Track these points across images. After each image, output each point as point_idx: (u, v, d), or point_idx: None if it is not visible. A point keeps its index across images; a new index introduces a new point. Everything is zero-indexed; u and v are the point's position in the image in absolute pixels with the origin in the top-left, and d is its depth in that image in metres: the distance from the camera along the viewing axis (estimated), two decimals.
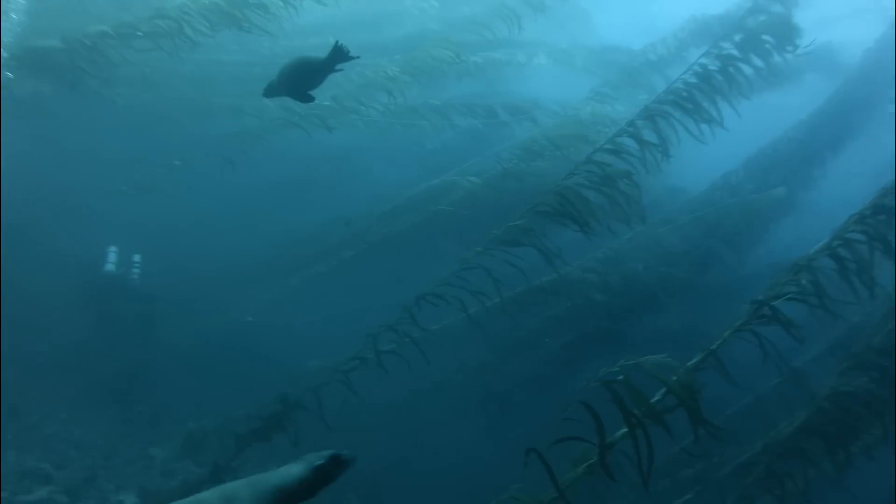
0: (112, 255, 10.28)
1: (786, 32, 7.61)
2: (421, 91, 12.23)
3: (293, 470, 2.81)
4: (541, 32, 14.11)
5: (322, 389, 7.09)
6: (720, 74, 6.91)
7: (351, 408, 7.22)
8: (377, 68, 10.71)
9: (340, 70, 5.23)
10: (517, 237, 6.97)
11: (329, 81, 11.35)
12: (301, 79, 5.22)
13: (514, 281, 8.32)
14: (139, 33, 8.53)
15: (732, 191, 11.86)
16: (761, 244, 12.36)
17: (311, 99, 5.35)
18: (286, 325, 11.92)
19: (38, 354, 9.66)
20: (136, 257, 10.51)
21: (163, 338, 10.97)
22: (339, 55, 5.10)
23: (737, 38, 7.30)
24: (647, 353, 4.74)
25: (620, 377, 4.02)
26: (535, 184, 11.36)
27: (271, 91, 5.43)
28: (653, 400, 4.10)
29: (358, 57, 5.14)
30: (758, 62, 7.15)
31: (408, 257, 12.48)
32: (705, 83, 6.90)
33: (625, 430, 4.00)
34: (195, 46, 9.02)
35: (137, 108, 11.84)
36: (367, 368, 7.24)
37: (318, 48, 13.78)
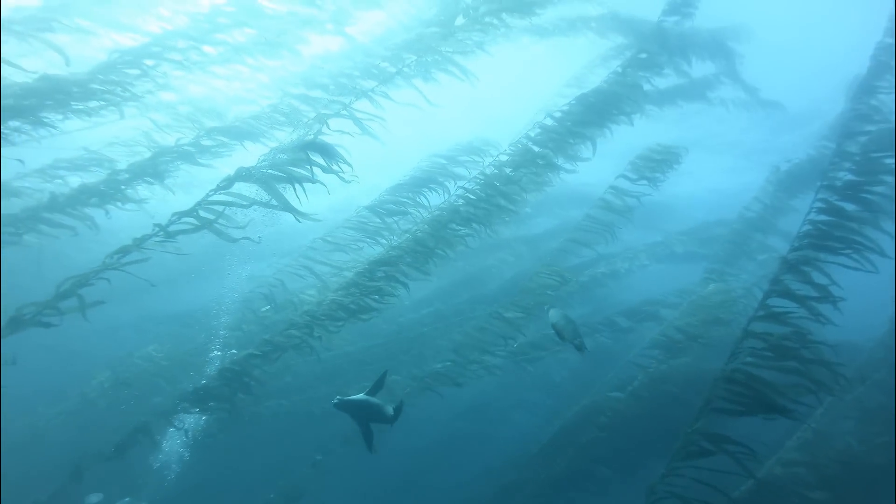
0: None
1: None
2: (537, 326, 11.88)
3: None
4: (633, 236, 13.97)
5: None
6: (852, 202, 6.03)
7: None
8: (491, 316, 10.53)
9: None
10: (701, 446, 5.60)
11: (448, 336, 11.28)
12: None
13: (711, 499, 6.61)
14: (276, 346, 8.95)
15: None
16: None
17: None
18: None
19: None
20: None
21: None
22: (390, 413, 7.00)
23: (846, 170, 6.54)
24: None
25: None
26: (686, 381, 9.99)
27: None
28: None
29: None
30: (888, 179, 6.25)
31: (572, 500, 10.73)
32: (838, 216, 6.00)
33: None
34: (325, 344, 9.35)
35: (282, 416, 12.08)
36: None
37: (430, 318, 14.21)
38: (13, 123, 8.29)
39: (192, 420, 10.94)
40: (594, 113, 10.77)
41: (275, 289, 11.19)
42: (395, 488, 12.97)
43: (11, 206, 10.36)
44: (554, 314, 7.08)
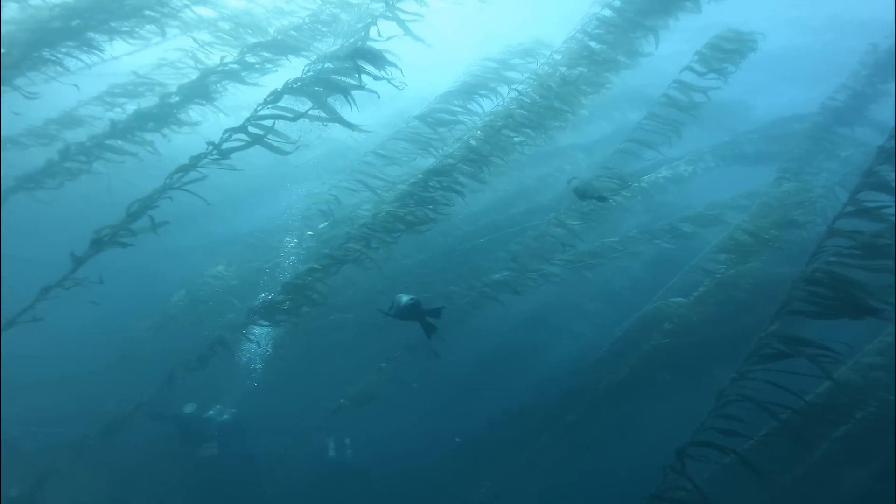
0: (331, 443, 11.22)
1: None
2: (595, 234, 11.48)
3: None
4: (698, 138, 12.97)
5: None
6: None
7: None
8: (548, 223, 10.21)
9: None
10: (777, 348, 5.30)
11: (505, 247, 11.16)
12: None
13: (784, 402, 6.39)
14: (335, 260, 9.02)
15: None
16: None
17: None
18: None
19: None
20: (347, 441, 11.25)
21: None
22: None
23: None
24: None
25: None
26: (756, 286, 9.52)
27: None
28: None
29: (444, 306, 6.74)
30: None
31: (634, 405, 10.77)
32: None
33: None
34: (383, 256, 9.37)
35: (348, 328, 12.46)
36: None
37: (486, 229, 14.01)
38: (64, 48, 8.23)
39: (265, 333, 11.60)
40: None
41: (331, 205, 11.19)
42: (459, 394, 13.40)
43: (78, 134, 10.63)
44: (575, 182, 8.30)
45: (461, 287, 11.10)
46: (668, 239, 11.57)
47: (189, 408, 10.85)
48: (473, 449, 11.78)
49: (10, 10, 10.85)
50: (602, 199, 8.21)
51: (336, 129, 15.73)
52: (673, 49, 11.50)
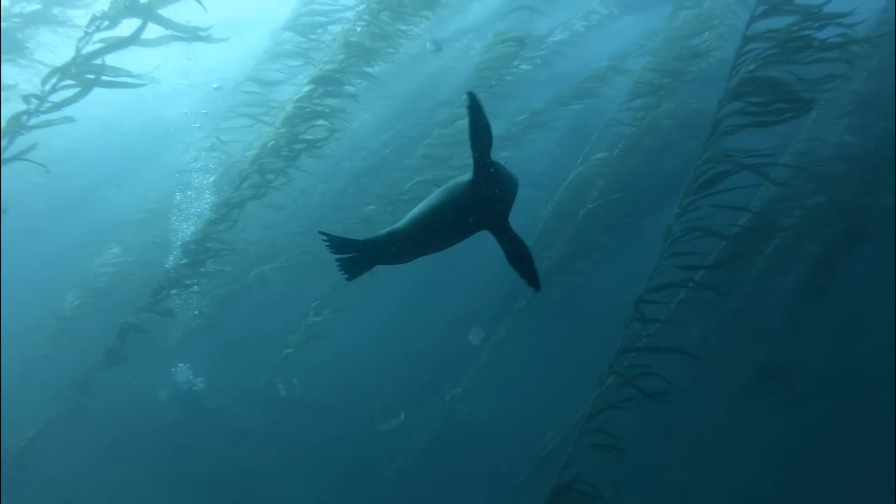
0: (280, 385, 11.40)
1: None
2: (503, 117, 10.87)
3: None
4: None
5: None
6: None
7: None
8: (452, 109, 9.49)
9: None
10: (718, 170, 5.03)
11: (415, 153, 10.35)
12: None
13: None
14: (233, 205, 8.02)
15: None
16: None
17: None
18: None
19: None
20: (294, 380, 11.48)
21: None
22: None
23: None
24: None
25: None
26: (676, 125, 9.36)
27: None
28: None
29: None
30: None
31: (581, 275, 10.74)
32: None
33: None
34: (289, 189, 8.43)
35: (276, 276, 11.63)
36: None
37: (391, 139, 13.06)
38: None
39: (194, 303, 10.77)
40: None
41: (213, 152, 9.95)
42: (403, 311, 13.02)
43: None
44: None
45: (378, 205, 10.34)
46: (575, 102, 11.09)
47: (162, 394, 11.26)
48: (430, 362, 11.60)
49: None
50: (438, 47, 10.42)
51: (200, 73, 13.87)
52: None
